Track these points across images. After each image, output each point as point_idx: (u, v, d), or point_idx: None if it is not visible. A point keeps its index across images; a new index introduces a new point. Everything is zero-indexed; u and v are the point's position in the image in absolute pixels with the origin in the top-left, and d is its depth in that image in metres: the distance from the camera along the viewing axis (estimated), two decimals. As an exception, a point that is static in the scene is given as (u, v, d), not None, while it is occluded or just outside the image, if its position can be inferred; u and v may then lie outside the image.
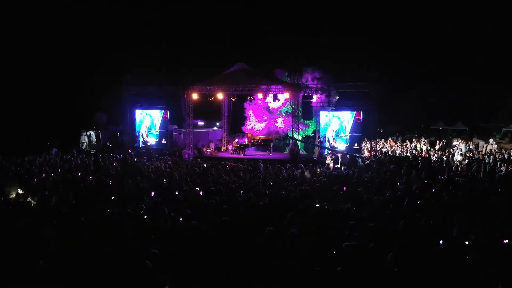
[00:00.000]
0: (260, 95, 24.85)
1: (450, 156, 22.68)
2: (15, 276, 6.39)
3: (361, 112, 23.47)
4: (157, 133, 26.94)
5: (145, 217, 9.49)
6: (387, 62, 32.26)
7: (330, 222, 8.98)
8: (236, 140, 27.13)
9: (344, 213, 9.83)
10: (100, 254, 6.90)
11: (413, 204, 10.87)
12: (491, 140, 27.84)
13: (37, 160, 18.83)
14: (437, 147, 27.87)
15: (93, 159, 18.89)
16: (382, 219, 9.17)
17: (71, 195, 11.42)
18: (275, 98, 25.11)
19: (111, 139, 29.20)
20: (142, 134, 27.40)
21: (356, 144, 23.61)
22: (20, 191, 12.16)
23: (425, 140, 30.04)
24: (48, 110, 30.50)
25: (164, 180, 14.53)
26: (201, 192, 12.36)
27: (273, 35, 38.55)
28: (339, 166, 20.43)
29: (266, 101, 26.65)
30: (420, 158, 21.87)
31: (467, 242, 7.87)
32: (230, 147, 27.20)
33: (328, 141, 24.10)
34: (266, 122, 27.09)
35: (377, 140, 28.69)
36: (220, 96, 25.44)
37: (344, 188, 13.13)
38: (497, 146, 26.09)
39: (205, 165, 18.86)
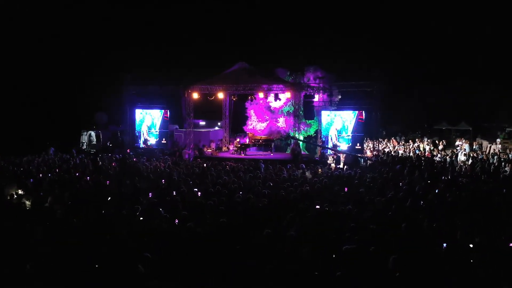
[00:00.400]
0: (261, 95, 24.62)
1: (454, 156, 22.39)
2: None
3: (363, 111, 23.20)
4: (157, 133, 26.74)
5: (141, 218, 9.29)
6: (389, 61, 32.07)
7: (330, 224, 8.75)
8: (237, 140, 26.90)
9: (345, 214, 9.59)
10: (90, 257, 6.69)
11: (416, 205, 10.62)
12: (498, 140, 27.46)
13: (36, 160, 18.64)
14: (440, 147, 27.57)
15: (91, 159, 18.69)
16: (383, 221, 8.94)
17: (66, 196, 11.22)
18: (276, 97, 24.85)
19: (112, 139, 29.04)
20: (143, 133, 27.19)
21: (358, 144, 23.34)
22: (20, 192, 11.97)
23: (428, 140, 29.73)
24: (48, 110, 30.40)
25: (163, 180, 14.34)
26: (199, 193, 12.15)
27: (274, 34, 38.38)
28: (341, 166, 20.19)
29: (267, 100, 26.41)
30: (423, 159, 21.60)
31: (471, 245, 7.62)
32: (231, 147, 26.98)
33: (331, 140, 23.85)
34: (267, 122, 26.85)
35: (380, 140, 28.46)
36: (220, 95, 25.19)
37: (346, 189, 12.90)
38: (501, 146, 25.78)
39: (205, 165, 18.64)
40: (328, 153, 23.11)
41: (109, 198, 11.43)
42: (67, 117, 30.18)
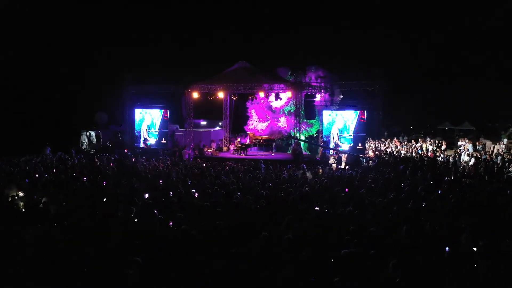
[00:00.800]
0: (261, 94, 24.38)
1: (457, 156, 22.09)
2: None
3: (365, 111, 22.92)
4: (157, 132, 26.53)
5: (135, 220, 9.06)
6: (391, 60, 31.80)
7: (329, 227, 8.50)
8: (238, 139, 26.67)
9: (344, 217, 9.32)
10: (79, 260, 6.47)
11: (418, 207, 10.34)
12: (505, 140, 27.09)
13: (33, 161, 18.45)
14: (443, 147, 27.26)
15: (89, 159, 18.50)
16: (384, 224, 8.67)
17: (61, 197, 11.00)
18: (277, 97, 24.58)
19: (112, 139, 28.87)
20: (143, 132, 26.98)
21: (360, 144, 23.06)
22: (21, 193, 11.76)
23: (431, 140, 29.42)
24: (48, 110, 30.27)
25: (161, 181, 14.11)
26: (197, 194, 11.91)
27: (275, 33, 38.19)
28: (342, 166, 19.92)
29: (268, 100, 26.17)
30: (425, 159, 21.30)
31: (475, 249, 7.35)
32: (231, 147, 26.75)
33: (333, 139, 23.57)
34: (268, 122, 26.62)
35: (382, 140, 28.17)
36: (221, 95, 24.95)
37: (346, 190, 12.63)
38: (505, 146, 25.45)
39: (204, 165, 18.42)
40: (330, 153, 22.84)
41: (105, 199, 11.19)
42: (67, 117, 30.03)
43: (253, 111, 27.04)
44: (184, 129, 26.11)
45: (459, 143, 27.97)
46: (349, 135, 23.22)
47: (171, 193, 11.70)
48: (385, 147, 27.75)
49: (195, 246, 7.25)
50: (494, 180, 15.68)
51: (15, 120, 29.34)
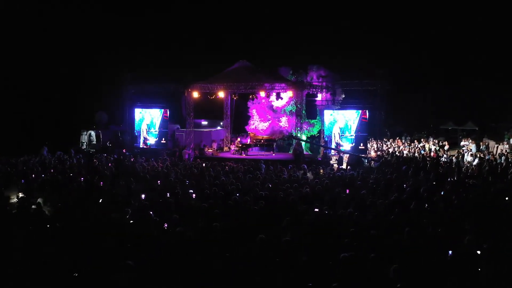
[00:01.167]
0: (262, 94, 24.17)
1: (460, 156, 21.83)
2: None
3: (366, 111, 22.69)
4: (157, 132, 26.35)
5: (131, 221, 8.87)
6: (393, 60, 31.56)
7: (328, 229, 8.27)
8: (238, 139, 26.47)
9: (344, 218, 9.10)
10: (70, 263, 6.28)
11: (420, 208, 10.09)
12: (510, 140, 26.77)
13: (31, 161, 18.27)
14: (446, 147, 26.99)
15: (88, 159, 18.33)
16: (385, 226, 8.45)
17: (56, 198, 10.82)
18: (278, 96, 24.34)
19: (112, 139, 28.70)
20: (142, 132, 26.81)
21: (361, 144, 22.83)
22: (21, 194, 11.58)
23: (434, 140, 29.15)
24: (48, 109, 30.16)
25: (159, 181, 13.92)
26: (194, 195, 11.71)
27: (276, 32, 37.96)
28: (343, 166, 19.69)
29: (269, 100, 25.96)
30: (428, 159, 21.04)
31: (478, 252, 7.11)
32: (232, 147, 26.55)
33: (334, 139, 23.35)
34: (269, 122, 26.41)
35: (384, 140, 27.91)
36: (221, 94, 24.73)
37: (347, 191, 12.40)
38: (509, 146, 25.16)
39: (204, 165, 18.22)
40: (331, 153, 22.60)
41: (101, 200, 11.00)
42: (67, 117, 29.91)
43: (254, 111, 26.83)
44: (185, 129, 25.93)
45: (462, 143, 27.68)
46: (351, 135, 23.01)
47: (168, 194, 11.51)
48: (387, 147, 27.49)
49: (190, 248, 7.05)
50: (498, 180, 15.43)
51: (15, 120, 29.21)
